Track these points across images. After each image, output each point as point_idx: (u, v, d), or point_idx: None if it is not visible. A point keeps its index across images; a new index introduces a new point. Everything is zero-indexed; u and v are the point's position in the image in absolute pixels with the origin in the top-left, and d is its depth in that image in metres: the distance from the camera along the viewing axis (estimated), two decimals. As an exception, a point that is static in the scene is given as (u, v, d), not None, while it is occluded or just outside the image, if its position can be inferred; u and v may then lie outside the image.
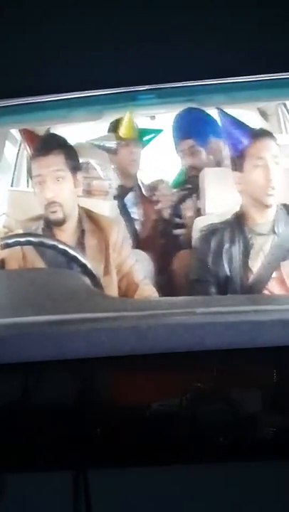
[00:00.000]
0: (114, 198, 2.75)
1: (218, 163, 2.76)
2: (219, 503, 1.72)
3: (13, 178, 2.98)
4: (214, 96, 2.24)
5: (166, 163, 3.08)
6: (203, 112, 2.63)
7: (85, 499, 1.72)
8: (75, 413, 1.73)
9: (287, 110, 2.99)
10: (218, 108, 2.37)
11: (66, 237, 2.27)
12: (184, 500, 1.72)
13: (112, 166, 2.78)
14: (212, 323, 1.62)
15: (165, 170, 3.04)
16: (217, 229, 2.30)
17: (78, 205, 2.33)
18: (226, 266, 2.24)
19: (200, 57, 1.95)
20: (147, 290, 2.30)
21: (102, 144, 2.77)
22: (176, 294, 2.45)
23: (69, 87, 1.99)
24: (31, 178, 2.35)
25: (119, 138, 2.77)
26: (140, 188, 2.93)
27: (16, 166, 2.98)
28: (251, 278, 2.24)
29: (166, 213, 2.82)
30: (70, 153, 2.30)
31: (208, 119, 2.63)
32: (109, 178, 2.72)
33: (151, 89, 2.06)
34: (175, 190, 2.88)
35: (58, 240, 2.15)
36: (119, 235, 2.34)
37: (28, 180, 2.74)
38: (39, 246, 2.15)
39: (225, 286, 2.23)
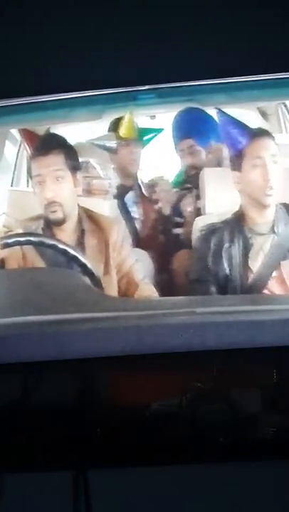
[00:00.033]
0: (114, 197, 2.75)
1: (219, 164, 2.76)
2: (219, 503, 1.72)
3: (13, 178, 2.98)
4: (214, 96, 2.24)
5: (165, 163, 3.08)
6: (203, 111, 2.62)
7: (85, 499, 1.72)
8: (75, 413, 1.73)
9: (287, 110, 2.99)
10: (216, 108, 2.37)
11: (66, 236, 2.27)
12: (184, 500, 1.72)
13: (112, 166, 2.78)
14: (212, 323, 1.62)
15: (165, 169, 3.04)
16: (217, 228, 2.29)
17: (78, 205, 2.33)
18: (225, 266, 2.24)
19: (200, 57, 1.95)
20: (147, 290, 2.30)
21: (102, 144, 2.77)
22: (176, 294, 2.45)
23: (69, 86, 1.99)
24: (31, 177, 2.35)
25: (119, 138, 2.77)
26: (140, 187, 2.93)
27: (15, 165, 2.97)
28: (251, 278, 2.24)
29: (166, 212, 2.82)
30: (69, 152, 2.30)
31: (207, 119, 2.63)
32: (109, 177, 2.72)
33: (151, 88, 2.06)
34: (175, 189, 2.88)
35: (57, 240, 2.15)
36: (119, 235, 2.34)
37: (28, 180, 2.73)
38: (39, 246, 2.15)
39: (225, 285, 2.23)
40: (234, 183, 2.28)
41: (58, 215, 2.26)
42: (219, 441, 1.70)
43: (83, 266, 2.05)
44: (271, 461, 1.70)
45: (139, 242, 2.72)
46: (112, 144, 2.76)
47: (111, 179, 2.72)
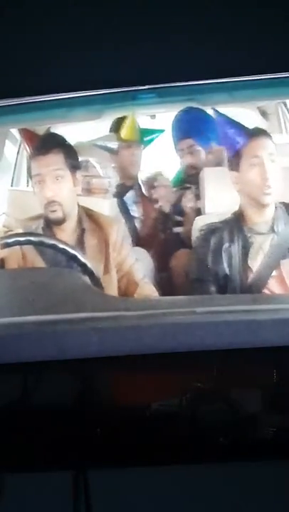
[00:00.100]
0: (114, 196, 2.76)
1: (218, 164, 2.76)
2: (219, 503, 1.72)
3: (13, 178, 2.99)
4: (214, 95, 2.24)
5: (165, 162, 3.08)
6: (203, 111, 2.63)
7: (85, 499, 1.72)
8: (75, 413, 1.73)
9: (287, 109, 3.00)
10: (213, 108, 2.38)
11: (66, 236, 2.28)
12: (184, 500, 1.72)
13: (112, 164, 2.79)
14: (212, 323, 1.62)
15: (164, 169, 3.04)
16: (217, 228, 2.30)
17: (78, 204, 2.33)
18: (225, 265, 2.24)
19: (200, 57, 1.95)
20: (147, 289, 2.31)
21: (103, 145, 2.77)
22: (176, 293, 2.46)
23: (69, 86, 1.99)
24: (31, 177, 2.35)
25: (120, 139, 2.78)
26: (140, 187, 2.94)
27: (16, 165, 2.98)
28: (251, 277, 2.24)
29: (166, 211, 2.82)
30: (69, 152, 2.31)
31: (207, 119, 2.63)
32: (108, 176, 2.72)
33: (151, 88, 2.06)
34: (174, 189, 2.89)
35: (57, 239, 2.15)
36: (119, 234, 2.34)
37: (28, 180, 2.74)
38: (39, 245, 2.16)
39: (224, 285, 2.23)
40: (233, 183, 2.29)
41: (58, 215, 2.26)
42: (219, 441, 1.69)
43: (83, 265, 2.05)
44: (271, 461, 1.70)
45: (139, 240, 2.73)
46: (113, 145, 2.77)
47: (111, 178, 2.73)
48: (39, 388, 1.74)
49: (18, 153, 3.00)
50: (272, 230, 2.27)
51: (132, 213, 2.87)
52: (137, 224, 2.86)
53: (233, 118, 2.35)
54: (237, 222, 2.30)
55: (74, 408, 1.74)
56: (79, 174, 2.33)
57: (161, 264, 2.64)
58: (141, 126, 2.83)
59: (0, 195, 2.69)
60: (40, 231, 2.28)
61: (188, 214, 2.72)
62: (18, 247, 2.16)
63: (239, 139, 2.28)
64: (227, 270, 2.24)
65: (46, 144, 2.32)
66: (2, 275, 2.11)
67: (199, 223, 2.40)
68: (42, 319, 1.66)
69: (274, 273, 2.24)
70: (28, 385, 1.74)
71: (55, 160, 2.27)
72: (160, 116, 3.00)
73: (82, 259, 2.06)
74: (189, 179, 2.85)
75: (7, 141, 2.87)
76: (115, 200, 2.76)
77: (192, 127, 2.83)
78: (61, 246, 2.08)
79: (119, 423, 1.71)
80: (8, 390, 1.74)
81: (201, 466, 1.70)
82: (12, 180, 3.01)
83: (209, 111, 2.50)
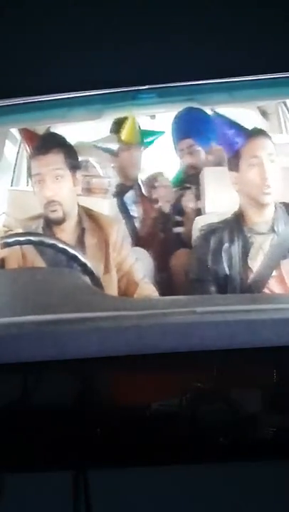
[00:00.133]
0: (114, 195, 2.75)
1: (218, 164, 2.76)
2: (219, 503, 1.72)
3: (13, 178, 2.99)
4: (214, 95, 2.24)
5: (165, 162, 3.08)
6: (203, 111, 2.63)
7: (85, 499, 1.72)
8: (75, 413, 1.73)
9: (287, 109, 3.00)
10: (212, 109, 2.38)
11: (66, 236, 2.27)
12: (183, 500, 1.72)
13: (112, 164, 2.79)
14: (212, 323, 1.62)
15: (165, 169, 3.04)
16: (217, 228, 2.30)
17: (78, 204, 2.33)
18: (225, 265, 2.24)
19: (200, 57, 1.95)
20: (147, 289, 2.31)
21: (103, 146, 2.77)
22: (176, 293, 2.46)
23: (69, 86, 1.99)
24: (31, 176, 2.35)
25: (120, 140, 2.78)
26: (140, 187, 2.94)
27: (15, 165, 2.98)
28: (251, 277, 2.24)
29: (166, 211, 2.82)
30: (69, 152, 2.30)
31: (207, 119, 2.63)
32: (108, 176, 2.72)
33: (151, 88, 2.06)
34: (174, 189, 2.89)
35: (57, 239, 2.15)
36: (119, 234, 2.35)
37: (28, 180, 2.74)
38: (39, 245, 2.15)
39: (225, 285, 2.23)
40: (232, 184, 2.29)
41: (58, 214, 2.26)
42: (219, 441, 1.69)
43: (83, 265, 2.05)
44: (271, 461, 1.70)
45: (138, 241, 2.73)
46: (113, 146, 2.77)
47: (110, 178, 2.73)
48: (39, 388, 1.74)
49: (18, 153, 3.00)
50: (272, 230, 2.27)
51: (131, 213, 2.87)
52: (137, 224, 2.86)
53: (234, 118, 2.35)
54: (237, 222, 2.30)
55: (74, 408, 1.74)
56: (79, 174, 2.33)
57: (161, 264, 2.64)
58: (141, 128, 2.83)
59: (0, 195, 2.68)
60: (40, 231, 2.28)
61: (188, 214, 2.72)
62: (18, 246, 2.16)
63: (238, 139, 2.28)
64: (227, 270, 2.24)
65: (46, 144, 2.32)
66: (2, 275, 2.11)
67: (199, 223, 2.40)
68: (42, 319, 1.66)
69: (274, 273, 2.24)
70: (28, 385, 1.74)
71: (55, 159, 2.27)
72: (160, 117, 3.00)
73: (82, 259, 2.06)
74: (189, 179, 2.85)
75: (7, 141, 2.87)
76: (115, 199, 2.76)
77: (192, 127, 2.83)
78: (61, 246, 2.08)
79: (119, 423, 1.71)
80: (8, 390, 1.74)
81: (201, 466, 1.70)
82: (12, 180, 3.01)
83: (209, 111, 2.50)
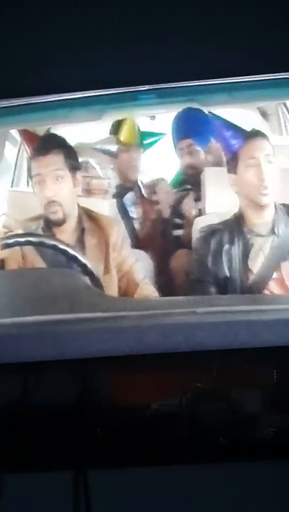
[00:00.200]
0: (113, 196, 2.75)
1: (218, 164, 2.75)
2: (219, 503, 1.72)
3: (13, 179, 2.98)
4: (214, 96, 2.24)
5: (165, 163, 3.08)
6: (202, 112, 2.62)
7: (85, 499, 1.72)
8: (75, 413, 1.73)
9: (287, 110, 2.99)
10: (210, 112, 2.38)
11: (66, 236, 2.27)
12: (183, 500, 1.72)
13: (112, 166, 2.79)
14: (212, 323, 1.62)
15: (164, 170, 3.04)
16: (217, 229, 2.29)
17: (78, 205, 2.33)
18: (225, 267, 2.23)
19: (200, 57, 1.95)
20: (147, 289, 2.30)
21: (102, 148, 2.77)
22: (176, 294, 2.45)
23: (69, 87, 1.99)
24: (31, 177, 2.35)
25: (119, 142, 2.78)
26: (140, 188, 2.93)
27: (16, 166, 2.97)
28: (251, 279, 2.23)
29: (166, 213, 2.82)
30: (69, 152, 2.30)
31: (207, 119, 2.63)
32: (108, 177, 2.72)
33: (151, 89, 2.06)
34: (174, 190, 2.88)
35: (57, 240, 2.15)
36: (119, 235, 2.34)
37: (28, 181, 2.73)
38: (39, 246, 2.15)
39: (225, 287, 2.22)
40: (231, 185, 2.28)
41: (58, 215, 2.26)
42: (219, 441, 1.70)
43: (83, 266, 2.05)
44: (271, 461, 1.70)
45: (138, 242, 2.72)
46: (113, 148, 2.76)
47: (110, 179, 2.72)
48: (39, 388, 1.74)
49: (18, 154, 2.99)
50: (272, 231, 2.26)
51: (131, 214, 2.87)
52: (136, 225, 2.86)
53: (233, 119, 2.34)
54: (237, 224, 2.29)
55: (74, 408, 1.74)
56: (79, 175, 2.33)
57: (161, 265, 2.64)
58: (141, 129, 2.83)
59: (0, 195, 2.68)
60: (40, 231, 2.28)
61: (188, 215, 2.72)
62: (18, 247, 2.16)
63: (236, 141, 2.27)
64: (227, 272, 2.23)
65: (46, 145, 2.32)
66: (2, 276, 2.11)
67: (200, 224, 2.39)
68: (42, 319, 1.66)
69: (274, 275, 2.23)
70: (28, 385, 1.75)
71: (55, 160, 2.27)
72: (159, 118, 2.99)
73: (83, 260, 2.06)
74: (189, 179, 2.84)
75: (7, 143, 2.87)
76: (115, 200, 2.75)
77: (191, 128, 2.83)
78: (61, 246, 2.07)
79: (119, 423, 1.71)
80: (8, 390, 1.74)
81: (201, 466, 1.70)
82: (12, 181, 3.00)
83: (206, 113, 2.50)
